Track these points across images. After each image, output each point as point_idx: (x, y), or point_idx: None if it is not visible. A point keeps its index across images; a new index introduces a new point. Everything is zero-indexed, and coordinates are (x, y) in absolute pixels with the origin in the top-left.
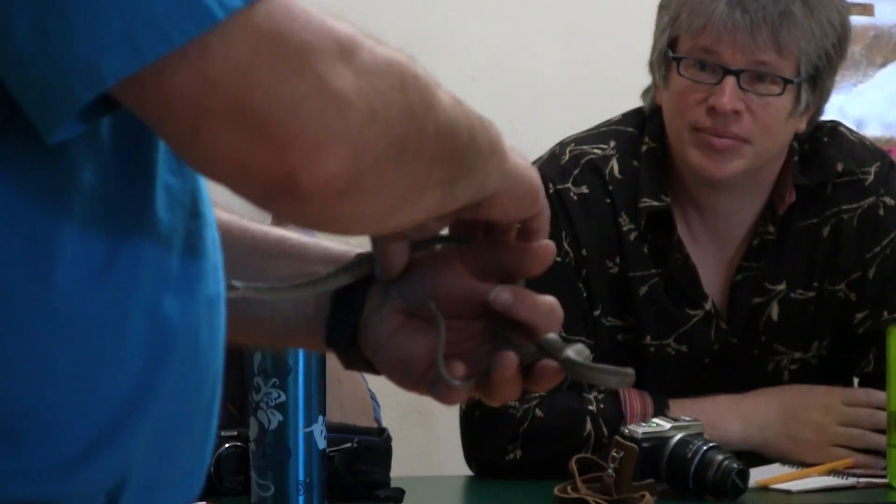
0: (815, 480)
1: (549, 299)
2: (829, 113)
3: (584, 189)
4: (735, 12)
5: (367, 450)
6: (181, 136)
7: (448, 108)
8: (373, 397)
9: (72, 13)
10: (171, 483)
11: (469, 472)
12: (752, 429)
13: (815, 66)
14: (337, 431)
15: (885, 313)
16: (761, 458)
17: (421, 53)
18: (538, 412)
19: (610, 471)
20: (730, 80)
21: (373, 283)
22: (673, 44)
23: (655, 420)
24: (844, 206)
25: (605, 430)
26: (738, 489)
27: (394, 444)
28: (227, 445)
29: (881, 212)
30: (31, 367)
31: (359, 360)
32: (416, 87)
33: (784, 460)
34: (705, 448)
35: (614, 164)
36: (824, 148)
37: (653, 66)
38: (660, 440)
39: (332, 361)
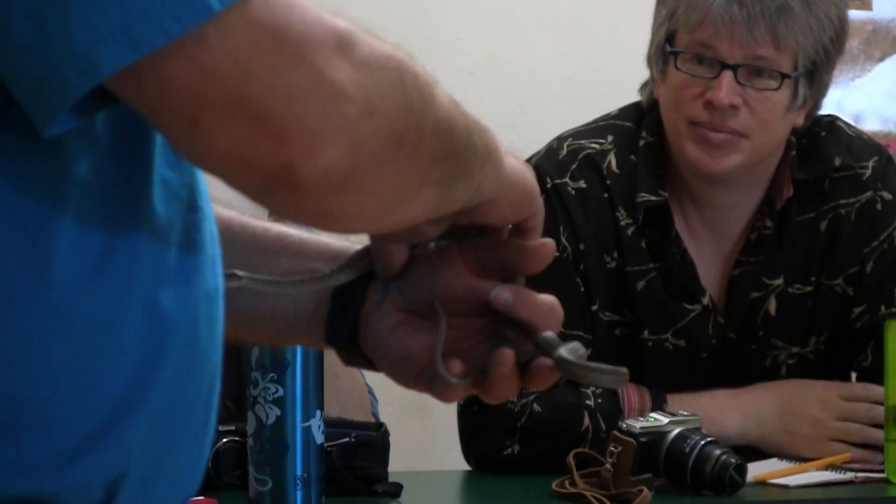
0: (813, 475)
1: (550, 299)
2: (827, 107)
3: (582, 184)
4: (732, 7)
5: (365, 444)
6: (178, 128)
7: (446, 107)
8: (370, 392)
9: (69, 3)
10: (170, 478)
11: (467, 467)
12: (750, 423)
13: (812, 60)
14: (335, 426)
15: (883, 308)
16: (759, 453)
17: (420, 49)
18: (536, 407)
19: (608, 465)
20: (727, 75)
21: (373, 279)
22: (670, 38)
23: (653, 415)
24: (842, 201)
25: (602, 424)
26: (736, 484)
27: (392, 438)
28: (224, 440)
29: (879, 206)
30: (27, 361)
31: (358, 356)
32: (415, 83)
33: (782, 455)
34: (703, 443)
35: (612, 158)
36: (822, 142)
37: (650, 60)
38: (658, 435)
39: (331, 356)
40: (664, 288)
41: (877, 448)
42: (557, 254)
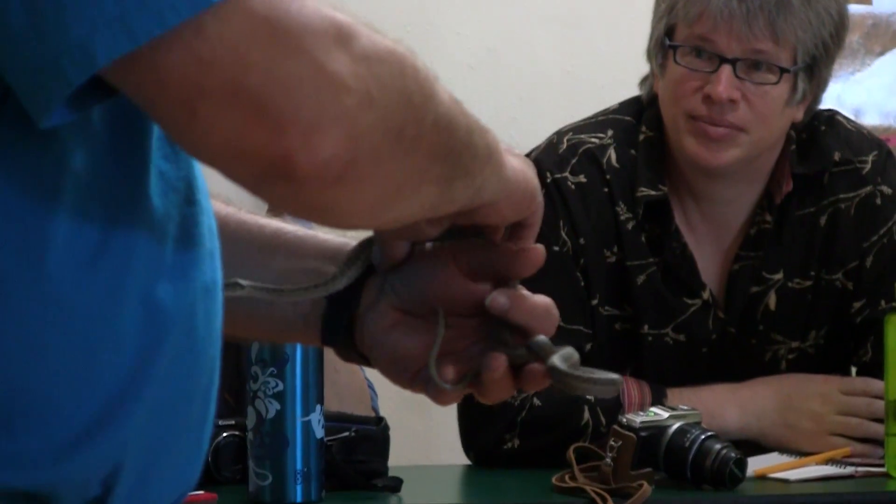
0: (813, 469)
1: (546, 301)
2: (827, 102)
3: (582, 178)
4: (731, 1)
5: (365, 439)
6: (176, 118)
7: (447, 104)
8: (370, 386)
9: None
10: (168, 471)
11: (467, 461)
12: (750, 418)
13: (812, 55)
14: (334, 420)
15: (883, 302)
16: (759, 448)
17: (419, 43)
18: (536, 401)
19: (608, 460)
20: (726, 69)
21: (369, 277)
22: (670, 32)
23: (653, 409)
24: (842, 195)
25: (602, 419)
26: (736, 478)
27: (391, 433)
28: (224, 434)
29: (878, 201)
30: (23, 353)
31: (355, 355)
32: (415, 77)
33: (782, 449)
34: (703, 437)
35: (612, 153)
36: (822, 137)
37: (650, 54)
38: (658, 429)
39: (331, 351)
40: (664, 282)
41: (877, 442)
42: (557, 248)
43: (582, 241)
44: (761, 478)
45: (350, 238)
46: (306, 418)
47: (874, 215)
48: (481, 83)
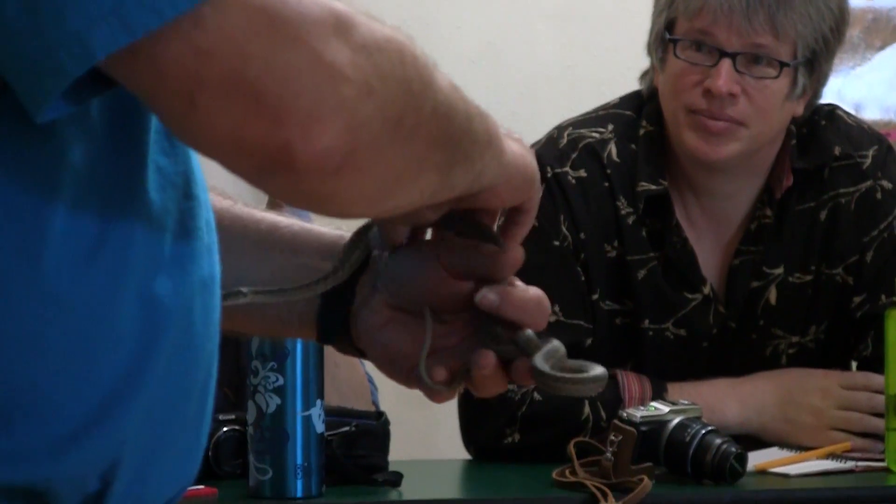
0: (814, 464)
1: (536, 293)
2: (828, 96)
3: (583, 173)
4: None
5: (365, 433)
6: (175, 110)
7: (446, 91)
8: (370, 381)
9: None
10: (167, 466)
11: (467, 456)
12: (751, 412)
13: (812, 49)
14: (335, 415)
15: (883, 297)
16: (760, 442)
17: (419, 36)
18: (536, 396)
19: (608, 454)
20: (726, 63)
21: (363, 272)
22: (670, 26)
23: (654, 404)
24: (842, 190)
25: (603, 413)
26: (737, 473)
27: (392, 427)
28: (225, 429)
29: (878, 195)
30: (21, 347)
31: (352, 349)
32: (414, 65)
33: (782, 444)
34: (703, 432)
35: (612, 147)
36: (822, 131)
37: (650, 48)
38: (658, 424)
39: (330, 346)
40: (664, 277)
41: (877, 437)
42: (557, 243)
43: (582, 235)
44: (762, 472)
45: (346, 231)
46: (306, 413)
47: (874, 210)
48: (481, 78)
